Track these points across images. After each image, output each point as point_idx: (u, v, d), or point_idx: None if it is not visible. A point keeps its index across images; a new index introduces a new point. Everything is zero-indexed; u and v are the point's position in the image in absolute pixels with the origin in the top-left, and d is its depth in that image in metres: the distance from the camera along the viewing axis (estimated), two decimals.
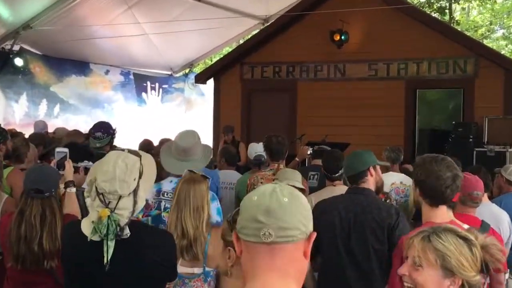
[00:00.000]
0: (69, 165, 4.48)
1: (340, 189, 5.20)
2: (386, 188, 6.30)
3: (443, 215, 3.36)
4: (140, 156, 3.00)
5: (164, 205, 4.73)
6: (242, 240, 1.84)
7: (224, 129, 12.13)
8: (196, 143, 5.00)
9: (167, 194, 4.73)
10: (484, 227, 4.51)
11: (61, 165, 4.48)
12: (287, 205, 1.79)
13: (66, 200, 4.23)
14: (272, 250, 1.79)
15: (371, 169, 4.37)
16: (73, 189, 4.38)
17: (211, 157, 5.35)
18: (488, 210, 5.40)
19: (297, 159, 7.75)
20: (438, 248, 2.45)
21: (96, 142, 6.50)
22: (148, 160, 3.07)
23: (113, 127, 6.73)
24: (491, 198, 6.34)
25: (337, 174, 5.65)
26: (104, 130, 6.62)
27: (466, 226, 3.16)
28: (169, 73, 18.16)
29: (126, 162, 2.91)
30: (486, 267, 2.47)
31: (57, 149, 4.63)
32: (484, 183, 4.98)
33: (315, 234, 1.85)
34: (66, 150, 4.58)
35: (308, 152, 7.87)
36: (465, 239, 2.48)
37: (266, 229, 1.77)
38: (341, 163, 5.50)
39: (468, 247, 2.45)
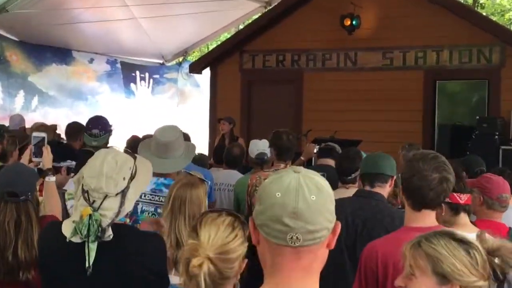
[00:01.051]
0: (47, 151, 4.47)
1: (353, 193, 5.19)
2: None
3: (425, 220, 3.34)
4: (135, 158, 3.04)
5: (141, 208, 4.71)
6: (262, 235, 1.87)
7: (224, 119, 11.95)
8: (177, 138, 5.00)
9: (144, 196, 4.71)
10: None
11: (38, 152, 4.46)
12: (316, 204, 1.83)
13: (45, 192, 4.22)
14: (298, 252, 1.85)
15: (393, 179, 4.41)
16: (52, 178, 4.37)
17: (195, 154, 5.34)
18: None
19: (302, 157, 7.75)
20: (428, 253, 2.48)
21: (92, 140, 6.43)
22: (145, 164, 3.11)
23: (110, 124, 6.72)
24: None
25: (351, 177, 5.59)
26: (102, 127, 6.59)
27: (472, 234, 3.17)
28: (161, 61, 18.14)
29: (116, 159, 2.95)
30: (501, 273, 2.46)
31: (34, 134, 4.63)
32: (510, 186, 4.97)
33: (339, 225, 1.91)
34: (43, 134, 4.57)
35: (315, 150, 7.85)
36: (461, 242, 2.48)
37: (293, 233, 1.81)
38: (357, 164, 5.48)
39: (465, 250, 2.45)
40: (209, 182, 4.28)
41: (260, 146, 7.09)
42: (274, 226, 1.82)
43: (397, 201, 5.70)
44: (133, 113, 16.84)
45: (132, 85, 17.43)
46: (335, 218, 1.89)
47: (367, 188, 4.41)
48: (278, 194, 1.83)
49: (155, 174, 4.77)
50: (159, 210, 4.53)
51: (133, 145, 7.78)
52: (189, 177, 4.07)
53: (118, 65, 17.01)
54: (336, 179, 5.82)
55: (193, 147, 5.25)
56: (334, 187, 5.75)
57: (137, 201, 4.70)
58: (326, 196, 1.87)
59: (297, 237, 1.81)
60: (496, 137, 11.35)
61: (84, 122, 6.84)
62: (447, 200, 3.98)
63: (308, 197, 1.82)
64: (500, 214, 4.68)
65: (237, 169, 7.73)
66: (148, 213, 4.67)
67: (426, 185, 3.29)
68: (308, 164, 8.20)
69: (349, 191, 5.34)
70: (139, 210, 4.71)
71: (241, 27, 19.13)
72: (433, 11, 12.39)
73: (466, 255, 2.44)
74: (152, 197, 4.69)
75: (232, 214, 2.63)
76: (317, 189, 1.85)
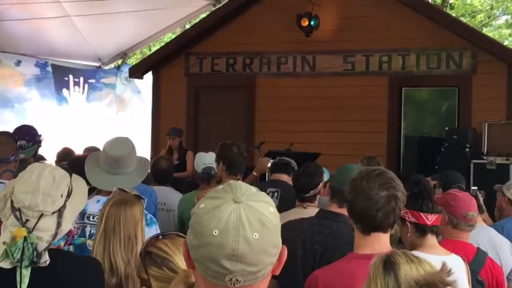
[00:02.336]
0: None
1: (311, 213, 5.17)
2: None
3: (374, 245, 3.32)
4: (71, 174, 3.02)
5: (90, 231, 4.66)
6: (197, 268, 1.85)
7: (171, 131, 11.99)
8: (130, 152, 4.97)
9: (93, 218, 4.66)
10: (479, 256, 4.55)
11: None
12: (259, 243, 1.79)
13: None
14: None
15: None
16: None
17: (149, 170, 5.31)
18: (486, 235, 5.45)
19: (255, 173, 7.74)
20: None
21: (19, 153, 6.35)
22: (79, 182, 3.09)
23: (39, 134, 6.63)
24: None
25: (309, 194, 5.58)
26: (30, 138, 6.51)
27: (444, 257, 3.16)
28: (97, 64, 18.00)
29: (53, 174, 2.92)
30: None
31: None
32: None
33: (285, 250, 1.89)
34: None
35: (269, 165, 7.86)
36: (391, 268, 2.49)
37: (232, 275, 1.79)
38: (316, 180, 5.47)
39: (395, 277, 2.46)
40: (146, 199, 4.23)
41: (206, 160, 7.08)
42: (210, 266, 1.79)
43: None
44: (65, 122, 16.66)
45: (64, 90, 17.24)
46: (280, 246, 1.87)
47: (334, 207, 4.37)
48: (215, 232, 1.78)
49: (105, 193, 4.72)
50: None
51: (64, 158, 7.72)
52: (123, 194, 4.03)
53: (49, 69, 16.81)
54: (291, 196, 5.81)
55: (146, 162, 5.22)
56: (289, 205, 5.78)
57: (84, 223, 4.67)
58: (271, 230, 1.82)
59: (236, 279, 1.78)
60: (467, 150, 11.49)
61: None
62: (413, 220, 4.00)
63: (249, 236, 1.77)
64: (467, 233, 4.73)
65: (167, 185, 7.70)
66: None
67: (372, 206, 3.26)
68: (261, 180, 8.20)
69: (307, 211, 5.32)
70: (87, 233, 4.67)
71: (187, 26, 19.09)
72: (399, 12, 12.52)
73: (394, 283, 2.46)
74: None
75: (180, 236, 2.62)
76: (261, 224, 1.80)
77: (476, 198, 6.60)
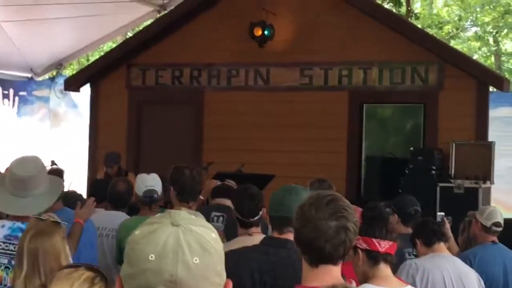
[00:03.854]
0: None
1: (257, 240, 5.15)
2: None
3: (324, 277, 3.29)
4: None
5: None
6: None
7: (106, 159, 11.79)
8: (39, 172, 4.91)
9: None
10: None
11: None
12: (199, 268, 1.79)
13: None
14: None
15: None
16: None
17: (62, 191, 5.25)
18: (451, 265, 5.51)
19: (201, 196, 7.72)
20: None
21: None
22: None
23: None
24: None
25: (255, 218, 5.57)
26: None
27: None
28: (29, 75, 17.83)
29: None
30: None
31: None
32: (438, 231, 5.07)
33: (230, 284, 1.89)
34: None
35: None
36: None
37: None
38: (260, 203, 5.46)
39: None
40: (67, 224, 4.19)
41: (149, 182, 7.03)
42: None
43: None
44: None
45: None
46: (225, 278, 1.87)
47: (276, 234, 4.37)
48: (151, 257, 1.77)
49: (11, 217, 4.65)
50: (13, 262, 4.40)
51: None
52: (39, 224, 3.98)
53: None
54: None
55: (59, 182, 5.17)
56: (236, 230, 5.76)
57: None
58: (213, 255, 1.82)
59: None
60: (433, 172, 11.58)
61: None
62: (365, 246, 4.01)
63: (189, 261, 1.77)
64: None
65: (124, 210, 7.62)
66: (1, 266, 4.53)
67: (320, 237, 3.24)
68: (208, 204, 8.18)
69: (254, 239, 5.29)
70: None
71: (129, 35, 19.02)
72: (361, 23, 12.61)
73: None
74: (6, 246, 4.56)
75: (93, 269, 2.59)
76: (202, 249, 1.80)
77: (443, 224, 6.68)
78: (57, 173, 8.35)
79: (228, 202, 6.90)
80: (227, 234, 6.06)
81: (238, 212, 5.62)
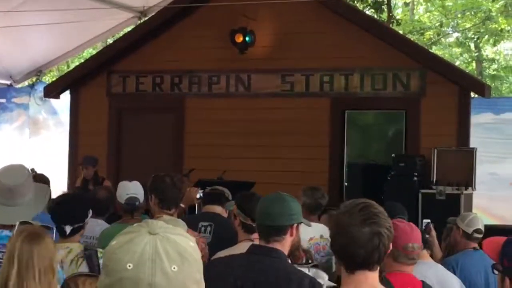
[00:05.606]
0: None
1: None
2: (303, 244, 6.32)
3: (361, 283, 3.36)
4: None
5: None
6: None
7: (84, 161, 11.93)
8: (25, 180, 4.91)
9: None
10: None
11: None
12: (178, 276, 1.79)
13: None
14: None
15: (294, 227, 4.39)
16: None
17: (48, 199, 5.26)
18: (433, 272, 5.52)
19: (182, 204, 7.70)
20: None
21: None
22: None
23: None
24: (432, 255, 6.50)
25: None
26: None
27: None
28: (8, 82, 17.77)
29: None
30: None
31: None
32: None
33: None
34: None
35: (198, 195, 7.85)
36: None
37: None
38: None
39: None
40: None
41: (130, 189, 7.03)
42: None
43: (300, 254, 5.73)
44: None
45: None
46: (203, 286, 1.88)
47: (263, 243, 4.39)
48: (129, 266, 1.77)
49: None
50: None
51: None
52: (30, 228, 4.00)
53: None
54: (226, 230, 5.78)
55: (47, 190, 5.16)
56: (224, 241, 5.74)
57: None
58: (191, 263, 1.83)
59: None
60: (415, 178, 11.62)
61: None
62: None
63: (167, 269, 1.77)
64: (408, 267, 4.80)
65: (104, 218, 7.61)
66: None
67: (353, 243, 3.30)
68: (190, 212, 8.16)
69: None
70: None
71: (109, 41, 18.99)
72: (342, 28, 12.64)
73: None
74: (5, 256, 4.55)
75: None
76: (180, 257, 1.80)
77: (428, 231, 6.71)
78: (43, 179, 8.35)
79: (218, 209, 6.90)
80: (215, 245, 6.00)
81: (246, 216, 5.51)
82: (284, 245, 4.38)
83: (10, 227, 4.67)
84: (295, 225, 4.40)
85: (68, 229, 5.36)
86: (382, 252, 3.37)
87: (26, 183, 4.94)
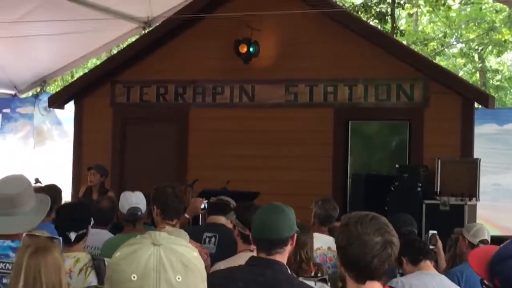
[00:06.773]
0: None
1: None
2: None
3: None
4: None
5: None
6: None
7: (95, 166, 11.75)
8: (25, 190, 4.89)
9: None
10: None
11: None
12: (181, 286, 1.79)
13: None
14: None
15: (294, 237, 4.38)
16: None
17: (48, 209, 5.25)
18: (438, 283, 5.51)
19: (186, 215, 7.69)
20: None
21: None
22: None
23: None
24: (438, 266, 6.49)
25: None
26: None
27: None
28: (13, 92, 17.79)
29: None
30: None
31: None
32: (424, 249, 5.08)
33: None
34: None
35: (202, 206, 7.83)
36: None
37: None
38: None
39: None
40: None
41: (133, 200, 7.00)
42: None
43: (310, 268, 5.74)
44: None
45: None
46: None
47: (263, 255, 4.36)
48: (134, 277, 1.77)
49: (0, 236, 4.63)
50: (5, 281, 4.38)
51: None
52: (36, 240, 3.97)
53: None
54: (231, 242, 5.75)
55: (47, 200, 5.15)
56: (229, 252, 5.71)
57: None
58: (195, 274, 1.83)
59: None
60: (419, 189, 11.59)
61: None
62: None
63: (172, 279, 1.77)
64: None
65: (107, 228, 7.60)
66: None
67: (367, 252, 3.29)
68: (194, 223, 8.14)
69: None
70: None
71: (114, 52, 19.01)
72: (346, 39, 12.64)
73: None
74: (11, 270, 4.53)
75: None
76: (184, 267, 1.80)
77: (434, 243, 6.70)
78: (54, 189, 8.38)
79: (222, 220, 6.86)
80: (220, 257, 5.98)
81: (245, 226, 5.46)
82: (285, 256, 4.36)
83: (13, 236, 4.66)
84: (295, 234, 4.39)
85: (73, 235, 5.37)
86: (391, 262, 3.38)
87: (26, 193, 4.93)
